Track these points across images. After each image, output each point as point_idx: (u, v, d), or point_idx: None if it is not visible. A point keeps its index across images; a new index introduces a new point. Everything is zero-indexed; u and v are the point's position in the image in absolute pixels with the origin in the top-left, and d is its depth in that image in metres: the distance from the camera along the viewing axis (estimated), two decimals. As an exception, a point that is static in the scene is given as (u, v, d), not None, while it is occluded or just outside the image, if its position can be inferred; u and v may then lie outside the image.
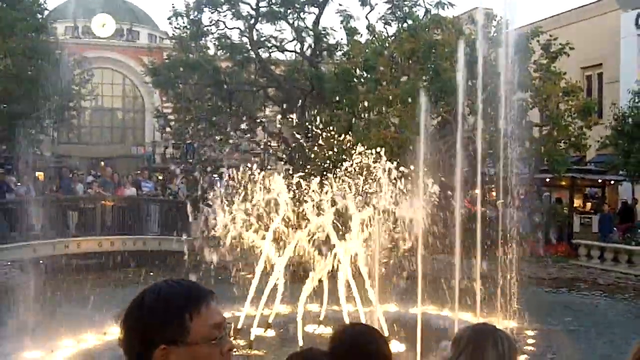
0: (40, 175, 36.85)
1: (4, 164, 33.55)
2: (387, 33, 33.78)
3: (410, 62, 29.85)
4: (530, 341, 15.24)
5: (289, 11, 35.62)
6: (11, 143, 31.12)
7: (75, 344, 14.22)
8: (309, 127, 28.12)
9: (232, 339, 2.27)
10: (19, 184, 28.40)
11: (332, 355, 3.35)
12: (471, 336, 3.19)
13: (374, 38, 33.16)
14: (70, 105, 37.90)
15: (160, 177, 38.75)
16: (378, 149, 17.28)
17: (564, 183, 32.80)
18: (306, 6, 36.06)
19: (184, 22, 37.37)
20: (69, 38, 50.64)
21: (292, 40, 37.47)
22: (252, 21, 36.24)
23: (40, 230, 24.96)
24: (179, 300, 2.15)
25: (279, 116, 34.91)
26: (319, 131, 23.94)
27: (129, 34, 59.65)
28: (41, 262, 25.71)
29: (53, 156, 45.24)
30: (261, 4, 35.79)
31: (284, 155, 37.15)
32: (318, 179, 15.94)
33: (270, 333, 14.99)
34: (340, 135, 27.74)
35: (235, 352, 2.26)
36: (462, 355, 3.13)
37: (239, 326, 14.14)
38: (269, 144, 41.92)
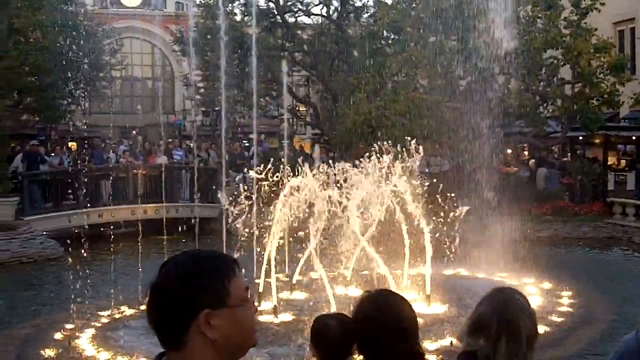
0: (73, 145, 37.19)
1: (36, 135, 33.86)
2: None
3: (438, 21, 29.52)
4: (565, 301, 15.15)
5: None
6: (43, 115, 31.35)
7: (111, 313, 14.38)
8: (337, 91, 28.08)
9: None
10: (52, 154, 28.67)
11: (355, 320, 3.38)
12: (500, 317, 3.08)
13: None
14: (100, 76, 38.06)
15: (191, 145, 38.90)
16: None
17: (597, 141, 32.45)
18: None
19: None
20: (97, 9, 50.73)
21: (319, 4, 37.27)
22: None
23: (73, 200, 25.22)
24: (218, 265, 2.25)
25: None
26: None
27: (157, 3, 59.64)
28: (76, 231, 26.03)
29: (85, 126, 45.60)
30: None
31: (312, 120, 37.13)
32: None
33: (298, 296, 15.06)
34: (368, 98, 27.68)
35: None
36: (500, 340, 3.05)
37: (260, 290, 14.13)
38: (297, 108, 41.90)
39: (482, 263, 18.02)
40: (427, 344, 11.03)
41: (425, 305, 13.71)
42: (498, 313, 3.08)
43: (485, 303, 3.19)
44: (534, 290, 15.59)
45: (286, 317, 13.45)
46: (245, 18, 37.94)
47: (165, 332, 2.21)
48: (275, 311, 13.48)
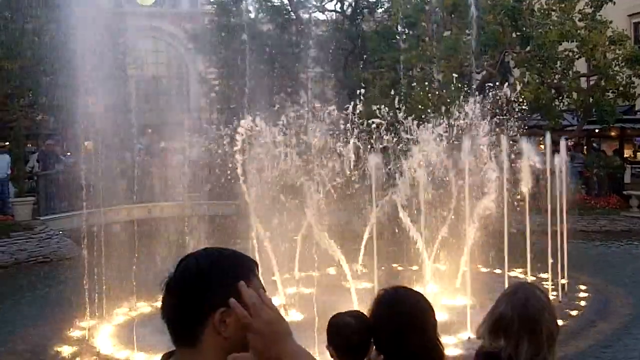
0: (89, 144, 37.24)
1: (52, 134, 33.93)
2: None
3: (452, 16, 29.46)
4: (582, 295, 15.09)
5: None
6: (58, 113, 31.38)
7: (127, 311, 14.44)
8: (352, 86, 28.04)
9: None
10: (68, 153, 28.73)
11: (373, 318, 3.37)
12: (522, 315, 3.06)
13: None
14: (115, 75, 38.07)
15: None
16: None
17: (613, 133, 32.26)
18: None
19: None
20: (111, 8, 50.81)
21: (332, 0, 37.27)
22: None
23: (90, 199, 25.26)
24: (236, 266, 2.24)
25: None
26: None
27: (171, 1, 59.73)
28: (93, 230, 26.12)
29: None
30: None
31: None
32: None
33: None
34: (383, 94, 27.61)
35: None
36: (522, 340, 3.03)
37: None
38: (312, 105, 41.82)
39: (498, 257, 17.93)
40: (446, 338, 11.03)
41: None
42: (518, 312, 3.07)
43: (505, 301, 3.16)
44: (550, 285, 15.51)
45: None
46: (260, 15, 37.96)
47: (180, 328, 2.21)
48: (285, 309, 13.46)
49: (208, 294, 2.16)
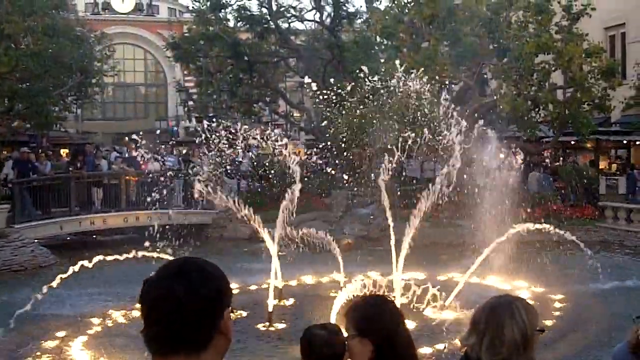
0: (65, 152, 37.08)
1: (28, 142, 33.72)
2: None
3: (430, 27, 29.60)
4: (557, 305, 15.18)
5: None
6: (34, 121, 31.19)
7: (102, 321, 14.34)
8: (330, 96, 28.09)
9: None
10: (46, 161, 28.55)
11: (349, 327, 3.37)
12: (488, 315, 3.13)
13: (393, 4, 32.85)
14: (92, 82, 37.88)
15: (184, 151, 38.84)
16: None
17: (589, 145, 32.52)
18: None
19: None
20: (89, 14, 50.64)
21: (312, 10, 37.32)
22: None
23: (65, 207, 25.13)
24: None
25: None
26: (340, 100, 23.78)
27: (149, 9, 59.62)
28: (68, 238, 26.02)
29: (77, 133, 45.44)
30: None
31: (306, 126, 37.06)
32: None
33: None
34: (362, 104, 27.69)
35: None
36: (485, 338, 3.09)
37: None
38: (290, 114, 41.88)
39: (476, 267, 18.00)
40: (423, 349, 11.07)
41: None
42: (487, 312, 3.13)
43: (482, 305, 3.23)
44: (526, 294, 15.59)
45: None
46: (239, 24, 37.89)
47: (192, 331, 2.12)
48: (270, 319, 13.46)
49: (226, 296, 2.21)
